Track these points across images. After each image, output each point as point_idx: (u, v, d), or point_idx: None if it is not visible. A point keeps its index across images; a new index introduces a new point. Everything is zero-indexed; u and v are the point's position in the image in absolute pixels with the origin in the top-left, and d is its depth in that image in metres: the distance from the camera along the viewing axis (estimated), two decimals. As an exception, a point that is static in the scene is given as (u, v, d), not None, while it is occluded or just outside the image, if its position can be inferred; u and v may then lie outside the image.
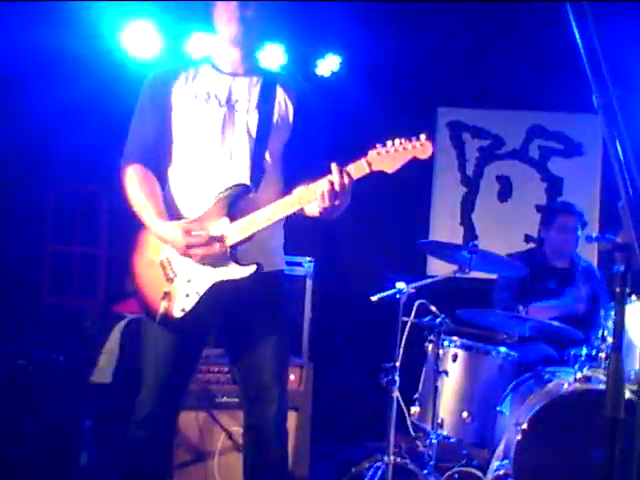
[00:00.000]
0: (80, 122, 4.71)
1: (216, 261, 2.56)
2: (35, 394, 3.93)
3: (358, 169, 2.44)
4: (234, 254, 2.55)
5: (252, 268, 2.53)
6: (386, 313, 3.92)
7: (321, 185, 2.44)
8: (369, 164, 2.43)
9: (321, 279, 4.90)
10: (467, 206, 5.85)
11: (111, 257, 5.17)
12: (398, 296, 3.79)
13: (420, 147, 2.41)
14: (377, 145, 2.43)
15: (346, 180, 2.42)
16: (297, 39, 5.49)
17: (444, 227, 5.80)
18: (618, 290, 1.55)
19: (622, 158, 1.52)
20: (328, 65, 5.65)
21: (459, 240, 5.66)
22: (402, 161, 2.42)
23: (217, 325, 2.74)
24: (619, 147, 1.53)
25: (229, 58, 2.70)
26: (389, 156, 2.41)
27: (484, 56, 5.49)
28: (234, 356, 2.76)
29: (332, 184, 2.42)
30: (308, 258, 4.90)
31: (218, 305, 2.61)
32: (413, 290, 3.85)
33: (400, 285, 3.78)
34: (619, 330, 1.63)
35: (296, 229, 2.82)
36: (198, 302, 2.58)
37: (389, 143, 2.42)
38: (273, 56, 5.41)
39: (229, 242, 2.55)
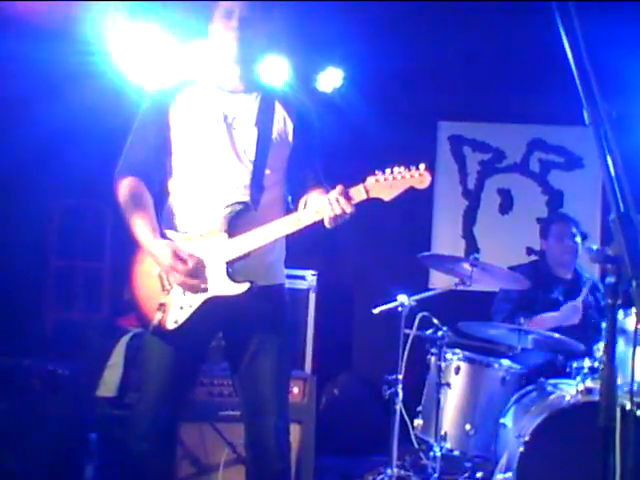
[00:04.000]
0: (84, 137, 4.76)
1: (211, 277, 2.57)
2: (40, 408, 3.95)
3: (355, 194, 2.47)
4: (230, 271, 2.57)
5: (245, 286, 2.54)
6: (389, 326, 3.96)
7: (321, 206, 2.48)
8: (367, 191, 2.47)
9: (324, 292, 4.94)
10: (469, 219, 5.89)
11: (115, 271, 5.20)
12: (400, 309, 3.82)
13: (419, 177, 2.46)
14: (376, 172, 2.48)
15: (346, 206, 2.45)
16: (299, 54, 5.54)
17: (446, 240, 5.83)
18: (610, 302, 1.58)
19: (613, 172, 1.55)
20: (330, 80, 5.71)
21: (461, 253, 5.70)
22: (399, 190, 2.47)
23: (217, 338, 2.76)
24: (610, 161, 1.56)
25: (228, 76, 2.72)
26: (387, 184, 2.46)
27: (484, 70, 5.54)
28: (234, 370, 2.77)
29: (332, 206, 2.45)
30: (312, 272, 4.94)
31: (214, 320, 2.63)
32: (415, 303, 3.88)
33: (402, 298, 3.80)
34: (611, 341, 1.65)
35: (299, 242, 2.84)
36: (191, 315, 2.59)
37: (387, 171, 2.47)
38: (276, 70, 5.47)
39: (226, 258, 2.57)
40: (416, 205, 5.71)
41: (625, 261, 1.50)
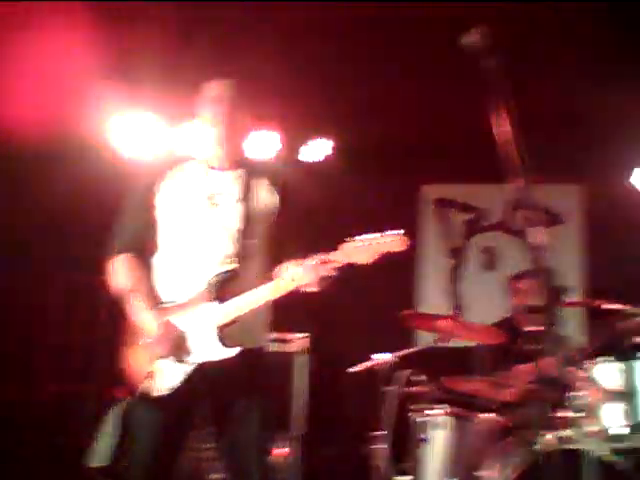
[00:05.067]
0: (80, 213, 4.94)
1: (201, 343, 2.69)
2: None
3: (335, 259, 2.61)
4: (220, 335, 2.68)
5: (235, 349, 2.65)
6: (374, 383, 4.05)
7: (302, 274, 2.63)
8: (346, 256, 2.60)
9: (316, 353, 5.04)
10: (454, 277, 6.03)
11: (109, 343, 5.30)
12: (382, 367, 3.91)
13: (395, 242, 2.58)
14: (355, 238, 2.61)
15: (326, 272, 2.61)
16: (288, 125, 5.77)
17: (432, 298, 5.96)
18: (532, 347, 1.71)
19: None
20: (319, 150, 5.93)
21: (447, 310, 5.80)
22: (377, 254, 2.59)
23: (204, 404, 2.84)
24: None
25: (213, 154, 2.89)
26: (365, 249, 2.59)
27: (465, 133, 5.74)
28: (220, 435, 2.82)
29: (312, 272, 2.61)
30: (302, 334, 5.06)
31: (203, 385, 2.72)
32: (397, 360, 3.98)
33: (383, 356, 3.90)
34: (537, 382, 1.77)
35: (291, 306, 2.87)
36: (183, 381, 2.69)
37: (365, 237, 2.60)
38: (265, 143, 5.69)
39: (217, 324, 2.68)
40: (403, 265, 5.87)
41: (550, 311, 1.64)
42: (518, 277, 4.77)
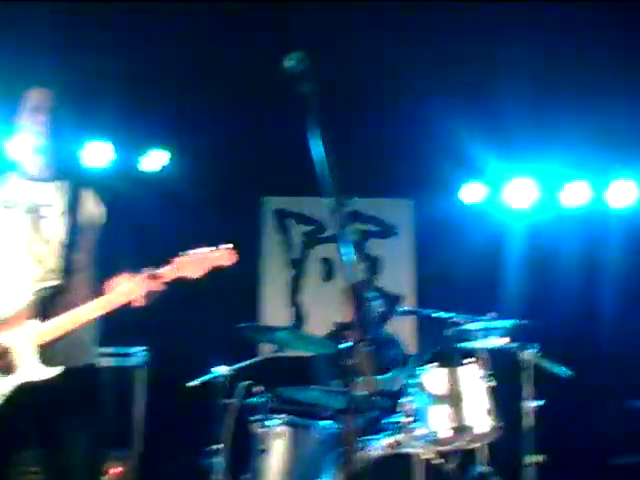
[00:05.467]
0: None
1: (21, 363, 2.59)
2: None
3: (165, 274, 2.63)
4: (41, 355, 2.59)
5: (57, 369, 2.59)
6: (213, 397, 4.05)
7: (130, 288, 2.61)
8: (175, 270, 2.64)
9: (154, 368, 4.96)
10: (295, 288, 6.16)
11: None
12: (219, 379, 3.92)
13: (224, 256, 2.68)
14: (184, 252, 2.67)
15: (155, 286, 2.61)
16: (122, 136, 5.65)
17: (273, 309, 6.06)
18: (347, 363, 1.79)
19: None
20: (155, 160, 5.84)
21: (288, 320, 5.93)
22: (206, 268, 2.67)
23: (29, 425, 2.74)
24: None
25: (34, 165, 2.80)
26: (194, 263, 2.66)
27: (304, 147, 5.87)
28: (44, 457, 2.73)
29: (140, 286, 2.60)
30: (140, 348, 4.97)
31: (26, 406, 2.62)
32: (234, 372, 4.00)
33: (220, 369, 3.92)
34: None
35: (128, 320, 2.87)
36: (3, 403, 2.58)
37: (194, 251, 2.67)
38: (98, 154, 5.54)
39: (37, 342, 2.59)
40: (243, 277, 5.91)
41: (355, 326, 1.73)
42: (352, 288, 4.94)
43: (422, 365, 3.98)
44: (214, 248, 2.69)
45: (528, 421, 4.21)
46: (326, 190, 2.41)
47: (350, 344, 1.75)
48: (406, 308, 5.70)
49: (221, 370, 3.93)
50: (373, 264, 6.27)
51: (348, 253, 2.06)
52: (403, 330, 5.81)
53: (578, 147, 5.62)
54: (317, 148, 2.37)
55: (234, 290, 5.75)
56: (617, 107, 5.26)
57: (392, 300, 5.91)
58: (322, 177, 2.01)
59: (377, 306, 4.87)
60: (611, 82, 5.08)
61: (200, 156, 5.93)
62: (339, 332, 4.63)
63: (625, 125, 5.50)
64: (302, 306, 6.14)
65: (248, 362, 4.10)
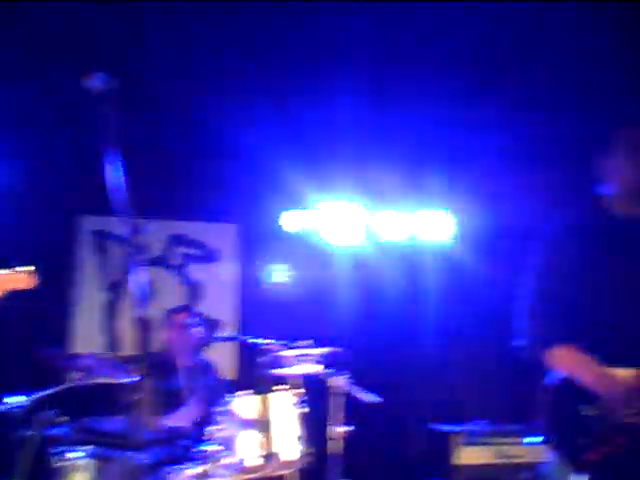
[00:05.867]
0: None
1: None
2: None
3: None
4: None
5: None
6: (9, 428, 3.79)
7: None
8: None
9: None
10: (111, 312, 5.93)
11: None
12: (16, 410, 3.68)
13: (23, 278, 2.63)
14: None
15: None
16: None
17: (86, 333, 5.81)
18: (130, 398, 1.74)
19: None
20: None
21: (102, 348, 5.70)
22: (3, 290, 2.63)
23: None
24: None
25: None
26: None
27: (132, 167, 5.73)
28: None
29: None
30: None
31: None
32: (34, 402, 3.77)
33: (16, 399, 3.68)
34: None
35: None
36: None
37: None
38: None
39: None
40: (55, 301, 5.64)
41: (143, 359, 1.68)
42: (175, 312, 4.86)
43: (235, 392, 3.98)
44: (15, 269, 2.62)
45: (337, 446, 4.30)
46: (119, 212, 2.37)
47: (135, 378, 1.71)
48: (225, 334, 5.67)
49: (18, 400, 3.68)
50: (195, 289, 6.18)
51: (140, 282, 2.03)
52: (224, 356, 5.78)
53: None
54: (114, 169, 2.35)
55: (44, 314, 5.46)
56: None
57: (212, 326, 5.84)
58: (116, 199, 2.00)
59: (197, 332, 4.81)
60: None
61: (15, 172, 5.63)
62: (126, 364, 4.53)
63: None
64: (117, 331, 5.92)
65: (50, 391, 3.87)
